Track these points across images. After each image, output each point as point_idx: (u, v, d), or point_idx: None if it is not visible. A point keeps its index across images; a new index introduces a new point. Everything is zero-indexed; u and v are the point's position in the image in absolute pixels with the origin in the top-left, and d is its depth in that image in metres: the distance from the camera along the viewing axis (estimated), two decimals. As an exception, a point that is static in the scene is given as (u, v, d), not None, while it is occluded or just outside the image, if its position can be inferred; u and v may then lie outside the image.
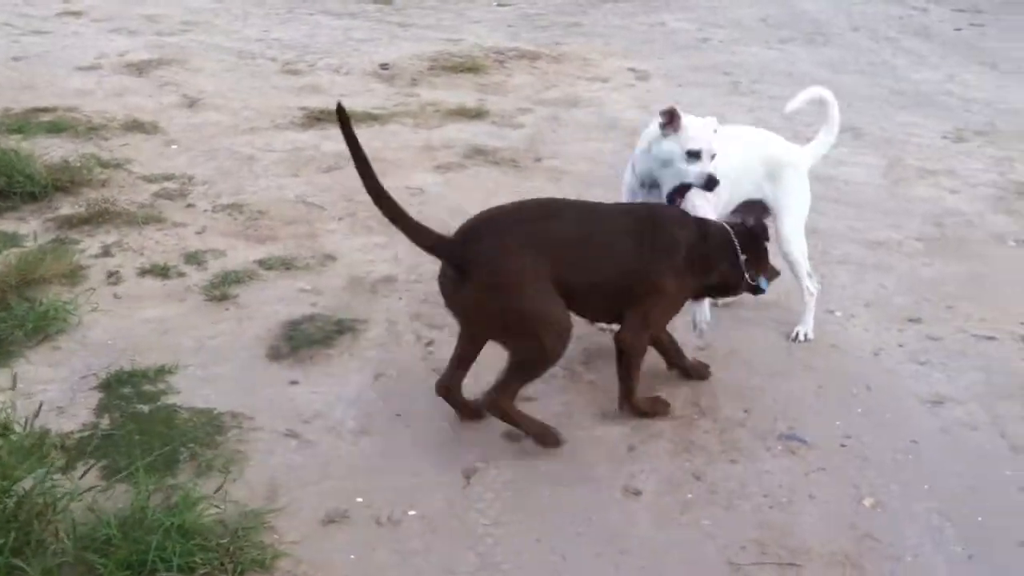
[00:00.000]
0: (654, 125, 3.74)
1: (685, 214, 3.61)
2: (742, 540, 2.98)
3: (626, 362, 3.49)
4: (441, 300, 4.18)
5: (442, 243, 3.26)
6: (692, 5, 10.50)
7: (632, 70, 8.01)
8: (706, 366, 3.82)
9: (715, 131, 3.71)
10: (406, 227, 3.25)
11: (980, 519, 3.11)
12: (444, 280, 3.35)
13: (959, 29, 9.89)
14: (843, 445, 3.46)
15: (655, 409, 3.55)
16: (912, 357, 4.04)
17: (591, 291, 3.38)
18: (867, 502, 3.18)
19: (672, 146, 3.66)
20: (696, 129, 3.66)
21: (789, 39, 9.26)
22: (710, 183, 3.64)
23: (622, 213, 3.54)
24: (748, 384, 3.78)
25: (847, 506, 3.16)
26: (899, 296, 4.52)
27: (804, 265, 4.12)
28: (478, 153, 5.99)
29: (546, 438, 3.34)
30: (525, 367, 3.30)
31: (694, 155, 3.64)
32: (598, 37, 9.10)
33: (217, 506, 2.91)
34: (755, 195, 4.07)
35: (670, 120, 3.65)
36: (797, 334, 4.12)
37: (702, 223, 3.58)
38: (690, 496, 3.17)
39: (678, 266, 3.43)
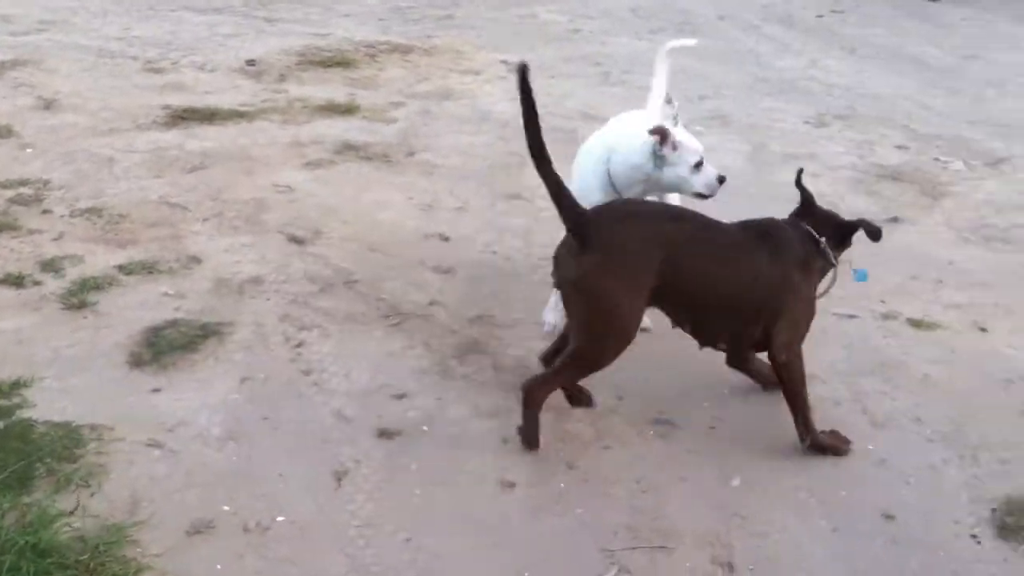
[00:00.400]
0: (644, 147, 3.68)
1: (784, 219, 3.57)
2: (615, 526, 3.01)
3: (791, 388, 3.37)
4: (310, 300, 4.16)
5: (576, 211, 3.20)
6: (562, -4, 10.56)
7: (504, 62, 7.98)
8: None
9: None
10: (556, 191, 3.17)
11: (844, 493, 3.20)
12: (561, 251, 3.28)
13: (820, 16, 10.16)
14: (712, 427, 3.52)
15: (837, 444, 3.38)
16: (777, 337, 4.12)
17: (709, 303, 3.36)
18: (735, 482, 3.24)
19: (678, 168, 3.67)
20: (689, 140, 3.69)
21: (659, 29, 9.36)
22: (721, 181, 3.74)
23: (740, 227, 3.45)
24: (620, 372, 3.80)
25: (716, 486, 3.22)
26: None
27: None
28: (349, 149, 5.90)
29: (530, 440, 3.32)
30: (578, 362, 3.30)
31: (698, 166, 3.69)
32: (470, 29, 9.06)
33: (75, 522, 2.81)
34: None
35: (663, 139, 3.62)
36: None
37: (795, 222, 3.55)
38: (563, 486, 3.18)
39: (804, 269, 3.41)
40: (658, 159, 3.66)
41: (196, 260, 4.46)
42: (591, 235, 3.15)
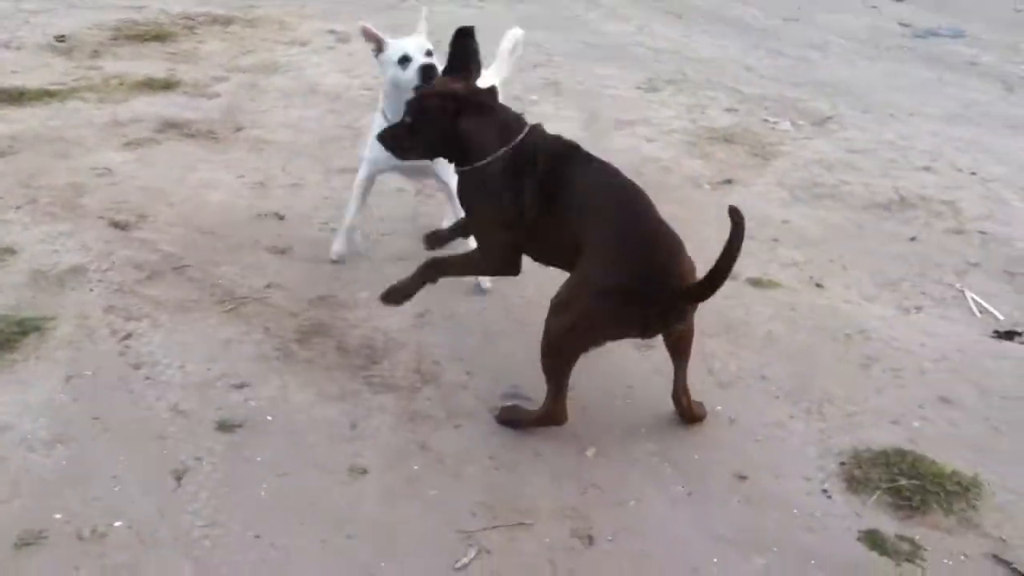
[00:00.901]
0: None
1: None
2: (471, 506, 2.93)
3: None
4: (137, 289, 3.92)
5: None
6: (387, -35, 10.34)
7: (332, 32, 7.78)
8: None
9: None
10: None
11: (696, 456, 3.20)
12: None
13: (646, -20, 10.29)
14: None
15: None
16: (622, 303, 4.11)
17: None
18: (590, 452, 3.20)
19: (389, 68, 3.85)
20: (399, 40, 3.91)
21: (487, -3, 9.31)
22: (425, 72, 3.77)
23: None
24: (468, 347, 3.73)
25: (571, 459, 3.17)
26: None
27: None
28: (171, 127, 5.61)
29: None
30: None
31: (404, 60, 3.82)
32: None
33: None
34: None
35: (369, 38, 3.90)
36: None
37: None
38: (416, 468, 3.08)
39: None
40: (381, 66, 3.90)
41: (10, 251, 4.15)
42: None
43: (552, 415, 3.21)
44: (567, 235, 3.08)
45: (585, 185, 3.12)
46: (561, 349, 3.11)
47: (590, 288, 3.00)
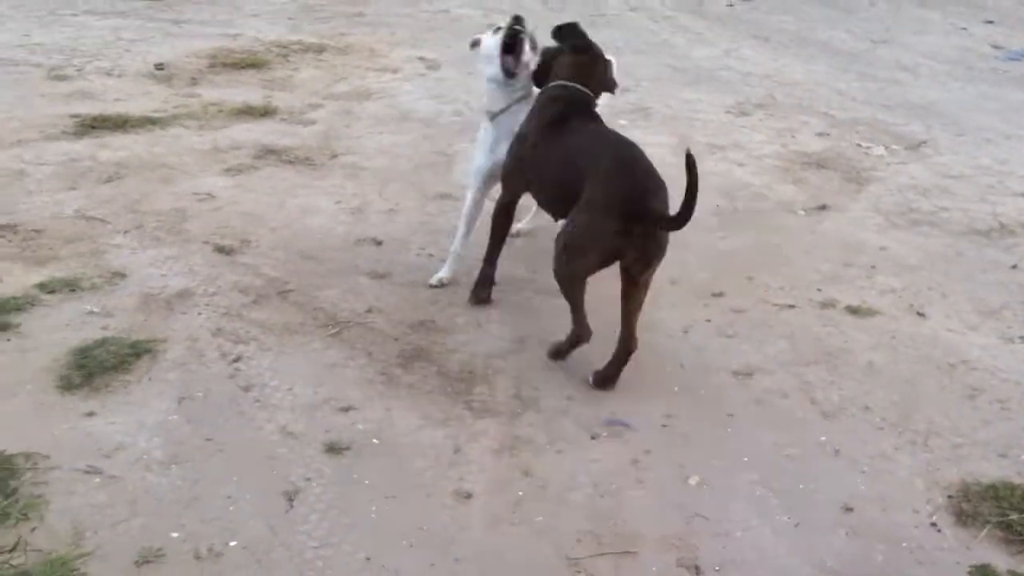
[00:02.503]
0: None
1: None
2: (576, 533, 2.95)
3: None
4: (244, 312, 4.02)
5: None
6: (473, -10, 10.47)
7: (422, 59, 7.89)
8: None
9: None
10: None
11: (801, 486, 3.19)
12: None
13: (731, 5, 10.26)
14: (665, 425, 3.48)
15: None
16: (720, 331, 4.12)
17: None
18: (692, 481, 3.21)
19: (484, 52, 4.23)
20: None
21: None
22: (511, 32, 4.14)
23: None
24: (567, 372, 3.76)
25: (674, 487, 3.18)
26: (701, 271, 4.61)
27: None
28: (269, 153, 5.74)
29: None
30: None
31: (496, 31, 4.22)
32: (383, 27, 8.93)
33: (17, 559, 2.66)
34: None
35: (472, 45, 4.39)
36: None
37: None
38: (521, 494, 3.11)
39: None
40: (479, 59, 4.31)
41: (120, 275, 4.28)
42: None
43: (578, 333, 3.70)
44: (569, 173, 3.61)
45: (588, 132, 3.76)
46: (568, 271, 3.61)
47: (589, 210, 3.48)
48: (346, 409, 3.44)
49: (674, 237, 4.64)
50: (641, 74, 7.76)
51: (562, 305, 4.11)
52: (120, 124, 6.07)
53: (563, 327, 3.97)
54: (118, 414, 3.37)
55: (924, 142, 6.35)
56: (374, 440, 3.31)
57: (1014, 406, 3.63)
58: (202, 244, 4.61)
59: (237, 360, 3.71)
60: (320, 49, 8.01)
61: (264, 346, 3.81)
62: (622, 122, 6.48)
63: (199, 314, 4.02)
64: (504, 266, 4.45)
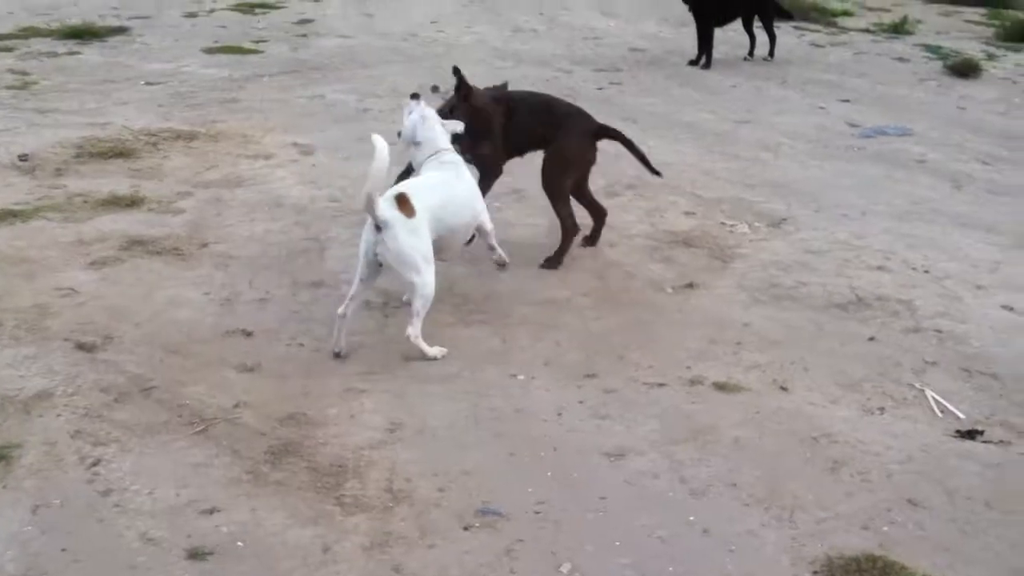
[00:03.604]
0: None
1: None
2: (448, 629, 2.92)
3: None
4: (105, 413, 3.90)
5: None
6: (349, 77, 10.49)
7: (295, 144, 7.87)
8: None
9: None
10: None
11: (671, 568, 3.22)
12: None
13: (601, 88, 10.49)
14: (537, 512, 3.48)
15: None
16: (593, 412, 4.16)
17: None
18: (564, 568, 3.20)
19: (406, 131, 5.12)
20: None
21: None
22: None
23: None
24: (440, 460, 3.74)
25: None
26: (573, 352, 4.66)
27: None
28: (136, 244, 5.63)
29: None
30: None
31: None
32: (257, 112, 8.88)
33: None
34: None
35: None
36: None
37: None
38: (391, 591, 3.07)
39: None
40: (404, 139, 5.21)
41: (-27, 378, 4.12)
42: None
43: (570, 231, 5.73)
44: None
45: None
46: (559, 185, 5.71)
47: (567, 139, 5.72)
48: (210, 511, 3.36)
49: (549, 319, 4.74)
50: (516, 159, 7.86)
51: (434, 391, 4.13)
52: (-21, 218, 5.89)
53: (436, 412, 3.98)
54: (-33, 526, 3.23)
55: (785, 219, 6.57)
56: (239, 543, 3.22)
57: (875, 478, 3.74)
58: (63, 341, 4.48)
59: (96, 464, 3.60)
60: (191, 136, 7.92)
61: (125, 447, 3.70)
62: (497, 204, 6.56)
63: (58, 416, 3.89)
64: (378, 354, 4.45)
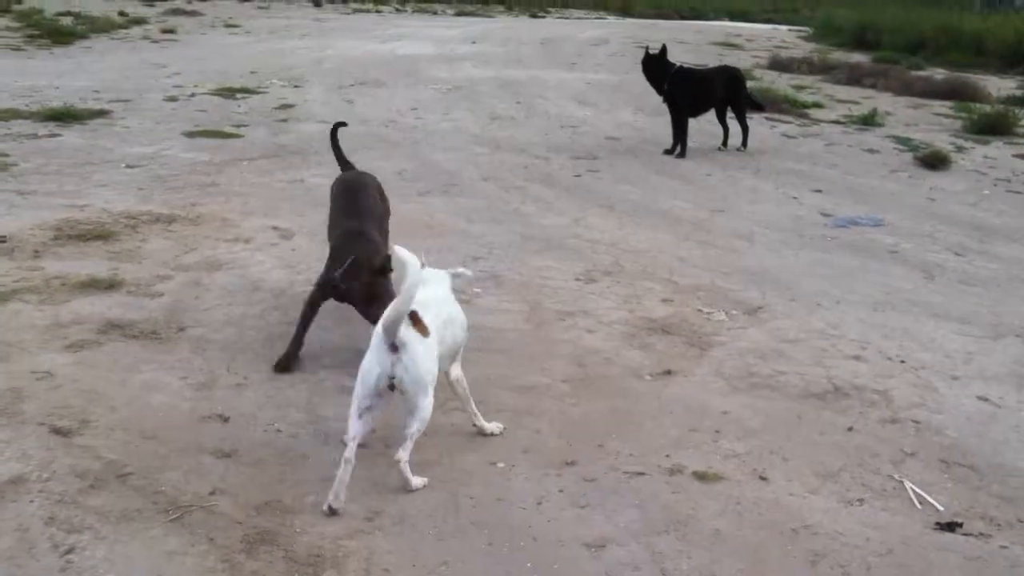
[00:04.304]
0: None
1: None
2: None
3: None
4: (79, 499, 3.86)
5: None
6: (327, 161, 10.47)
7: (275, 228, 7.91)
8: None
9: None
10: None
11: (653, 664, 3.18)
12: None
13: (579, 175, 10.64)
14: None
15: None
16: (573, 501, 4.14)
17: None
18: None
19: None
20: None
21: (426, 191, 9.55)
22: None
23: None
24: (419, 550, 3.70)
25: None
26: (553, 440, 4.65)
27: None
28: (114, 327, 5.61)
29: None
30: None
31: None
32: (236, 196, 8.93)
33: None
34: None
35: None
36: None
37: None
38: None
39: None
40: None
41: (-55, 463, 4.06)
42: None
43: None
44: None
45: None
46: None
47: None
48: (183, 606, 3.31)
49: (528, 405, 4.74)
50: (493, 242, 7.94)
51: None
52: (-45, 300, 5.86)
53: (415, 499, 3.96)
54: (-65, 618, 3.16)
55: (760, 307, 6.64)
56: (214, 636, 3.17)
57: (854, 571, 3.73)
58: (38, 425, 4.43)
59: (70, 552, 3.54)
60: (170, 219, 7.95)
61: (100, 535, 3.65)
62: (476, 290, 6.60)
63: (31, 502, 3.83)
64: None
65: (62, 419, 4.50)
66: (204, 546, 3.63)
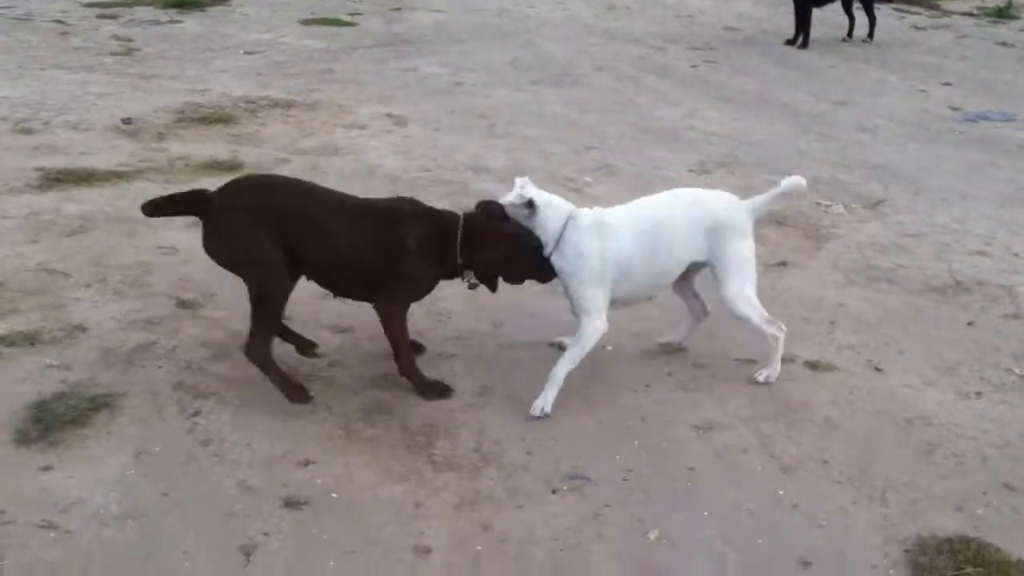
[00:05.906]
0: None
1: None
2: (535, 588, 2.95)
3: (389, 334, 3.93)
4: (205, 367, 4.01)
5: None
6: (442, 51, 10.57)
7: (389, 116, 7.96)
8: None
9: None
10: None
11: (760, 541, 3.20)
12: None
13: (695, 67, 10.42)
14: (625, 479, 3.49)
15: (430, 389, 3.92)
16: (681, 385, 4.15)
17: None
18: (652, 535, 3.21)
19: None
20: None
21: (538, 81, 9.48)
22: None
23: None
24: (529, 426, 3.76)
25: (634, 541, 3.18)
26: (662, 326, 4.64)
27: (755, 317, 4.13)
28: (235, 207, 5.74)
29: (295, 394, 3.80)
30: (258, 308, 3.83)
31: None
32: (352, 84, 9.00)
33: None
34: (699, 258, 4.15)
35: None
36: (764, 377, 4.18)
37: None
38: (480, 548, 3.11)
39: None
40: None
41: (81, 329, 4.25)
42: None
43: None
44: None
45: None
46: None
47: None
48: (305, 463, 3.43)
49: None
50: (606, 132, 7.86)
51: (522, 358, 4.16)
52: (85, 178, 6.07)
53: (524, 379, 4.00)
54: (75, 469, 3.35)
55: (882, 201, 6.46)
56: (333, 495, 3.30)
57: (970, 461, 3.67)
58: (165, 298, 4.60)
59: (196, 414, 3.70)
60: (288, 105, 8.06)
61: (224, 400, 3.80)
62: (587, 179, 6.56)
63: (159, 368, 4.00)
64: (467, 321, 4.49)
65: (187, 292, 4.66)
66: (323, 413, 3.76)
